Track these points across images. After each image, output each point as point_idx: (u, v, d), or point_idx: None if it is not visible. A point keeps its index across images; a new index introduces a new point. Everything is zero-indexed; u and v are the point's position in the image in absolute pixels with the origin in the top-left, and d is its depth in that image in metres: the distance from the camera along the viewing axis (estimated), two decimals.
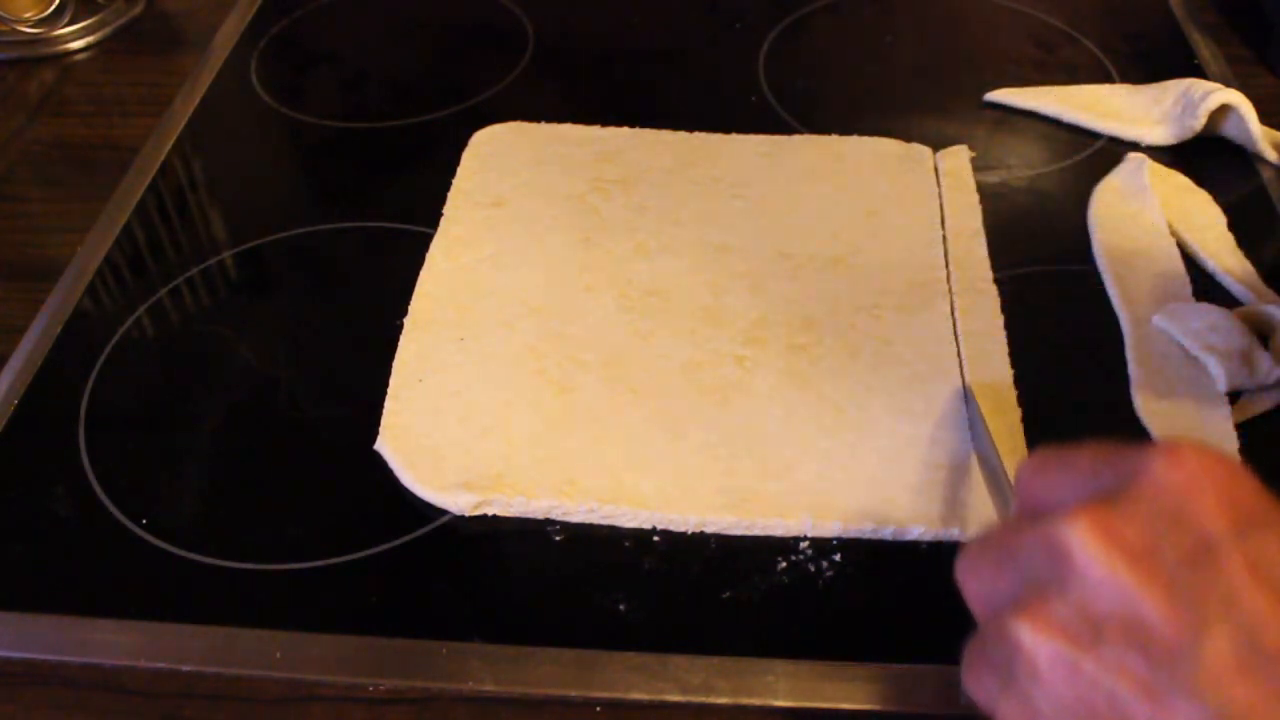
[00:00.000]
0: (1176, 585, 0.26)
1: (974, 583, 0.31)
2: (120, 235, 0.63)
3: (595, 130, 0.68)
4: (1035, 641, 0.27)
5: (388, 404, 0.52)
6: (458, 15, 0.82)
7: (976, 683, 0.30)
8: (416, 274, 0.58)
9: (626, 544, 0.48)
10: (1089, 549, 0.27)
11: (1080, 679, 0.27)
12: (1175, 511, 0.27)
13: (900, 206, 0.62)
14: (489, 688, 0.43)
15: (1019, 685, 0.28)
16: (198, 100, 0.73)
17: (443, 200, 0.63)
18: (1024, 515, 0.31)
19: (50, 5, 0.77)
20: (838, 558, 0.47)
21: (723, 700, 0.43)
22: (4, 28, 0.77)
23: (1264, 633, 0.25)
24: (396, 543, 0.48)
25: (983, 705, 0.30)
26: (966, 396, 0.52)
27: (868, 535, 0.47)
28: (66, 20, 0.78)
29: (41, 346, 0.56)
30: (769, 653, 0.44)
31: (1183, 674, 0.25)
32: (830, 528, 0.47)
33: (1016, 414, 0.51)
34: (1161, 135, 0.67)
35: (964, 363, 0.53)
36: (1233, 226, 0.61)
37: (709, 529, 0.48)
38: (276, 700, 0.43)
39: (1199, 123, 0.65)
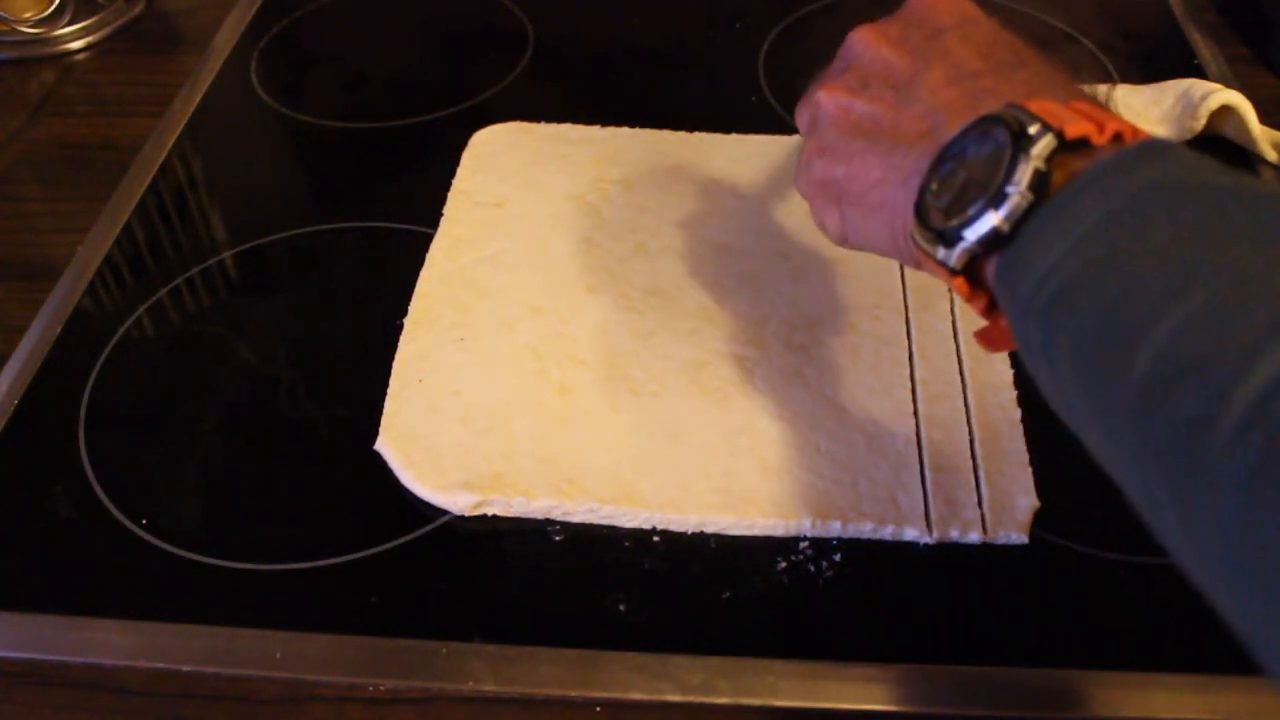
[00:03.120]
0: (916, 51, 0.40)
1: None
2: (120, 235, 0.63)
3: (595, 130, 0.68)
4: (825, 97, 0.42)
5: (388, 404, 0.52)
6: (458, 15, 0.82)
7: (799, 120, 0.44)
8: (416, 274, 0.58)
9: (626, 544, 0.48)
10: (863, 39, 0.42)
11: (852, 111, 0.40)
12: (921, 18, 0.41)
13: None
14: (489, 688, 0.43)
15: (818, 128, 0.42)
16: (198, 100, 0.73)
17: (443, 200, 0.63)
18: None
19: (50, 5, 0.77)
20: (838, 558, 0.47)
21: (723, 700, 0.43)
22: (4, 28, 0.77)
23: (965, 66, 0.38)
24: (396, 543, 0.48)
25: (802, 133, 0.44)
26: None
27: (867, 535, 0.47)
28: (66, 20, 0.78)
29: (41, 346, 0.56)
30: (769, 653, 0.44)
31: (914, 90, 0.39)
32: (830, 528, 0.47)
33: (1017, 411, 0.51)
34: (1161, 135, 0.67)
35: (964, 362, 0.53)
36: None
37: (709, 529, 0.48)
38: (276, 700, 0.43)
39: (1199, 123, 0.65)
